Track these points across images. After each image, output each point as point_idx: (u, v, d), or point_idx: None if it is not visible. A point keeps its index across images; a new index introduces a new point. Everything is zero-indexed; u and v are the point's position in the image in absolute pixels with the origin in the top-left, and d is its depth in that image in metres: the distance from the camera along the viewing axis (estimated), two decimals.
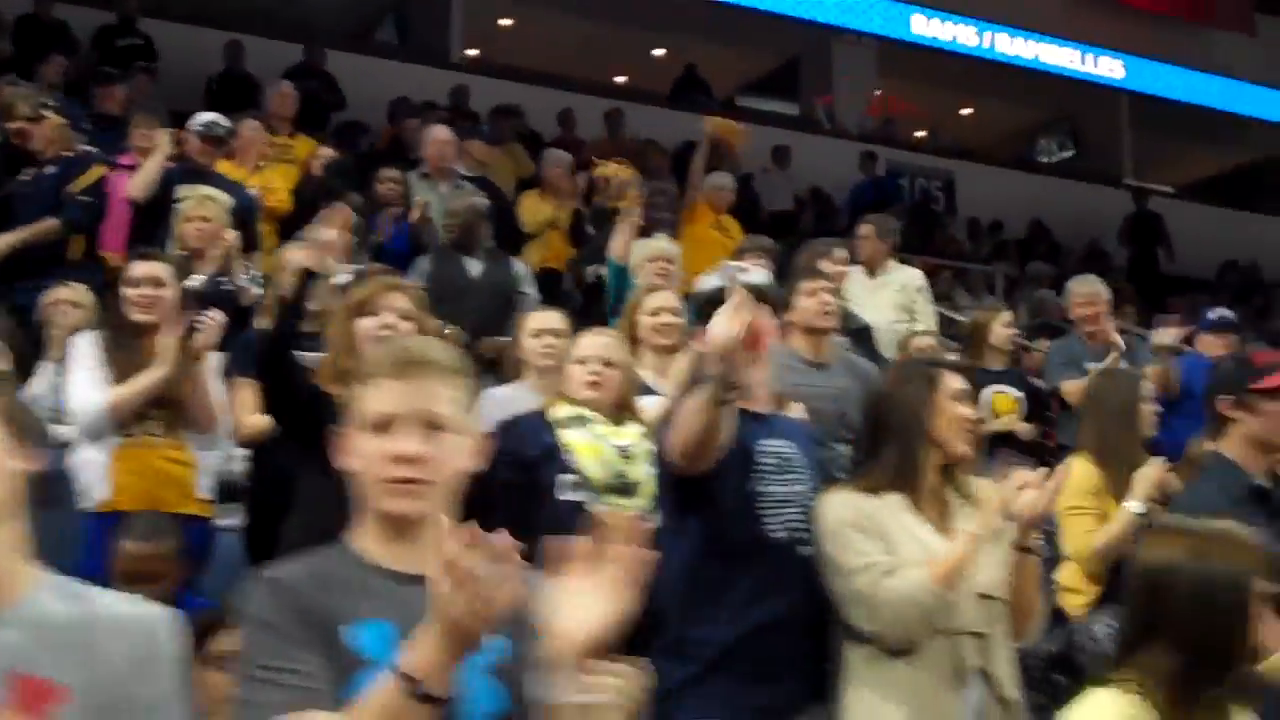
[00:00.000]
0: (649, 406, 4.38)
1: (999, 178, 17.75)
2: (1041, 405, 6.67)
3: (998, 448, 6.23)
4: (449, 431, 2.05)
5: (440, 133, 8.25)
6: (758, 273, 3.56)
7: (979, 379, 6.59)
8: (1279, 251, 17.62)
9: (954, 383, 3.42)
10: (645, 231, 8.91)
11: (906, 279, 7.64)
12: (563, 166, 9.05)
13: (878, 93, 18.06)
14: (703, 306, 3.49)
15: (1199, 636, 2.49)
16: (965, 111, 20.27)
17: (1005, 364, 6.73)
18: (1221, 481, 3.84)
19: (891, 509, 3.30)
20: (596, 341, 4.30)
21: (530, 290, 6.61)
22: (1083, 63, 18.72)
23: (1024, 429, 6.40)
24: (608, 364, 4.23)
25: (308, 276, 4.10)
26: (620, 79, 18.24)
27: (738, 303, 3.10)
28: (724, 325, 3.04)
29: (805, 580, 3.32)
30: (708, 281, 3.56)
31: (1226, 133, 19.84)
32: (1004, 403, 6.49)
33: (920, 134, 19.18)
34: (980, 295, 12.95)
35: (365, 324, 4.01)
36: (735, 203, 13.26)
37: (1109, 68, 18.85)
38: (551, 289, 8.70)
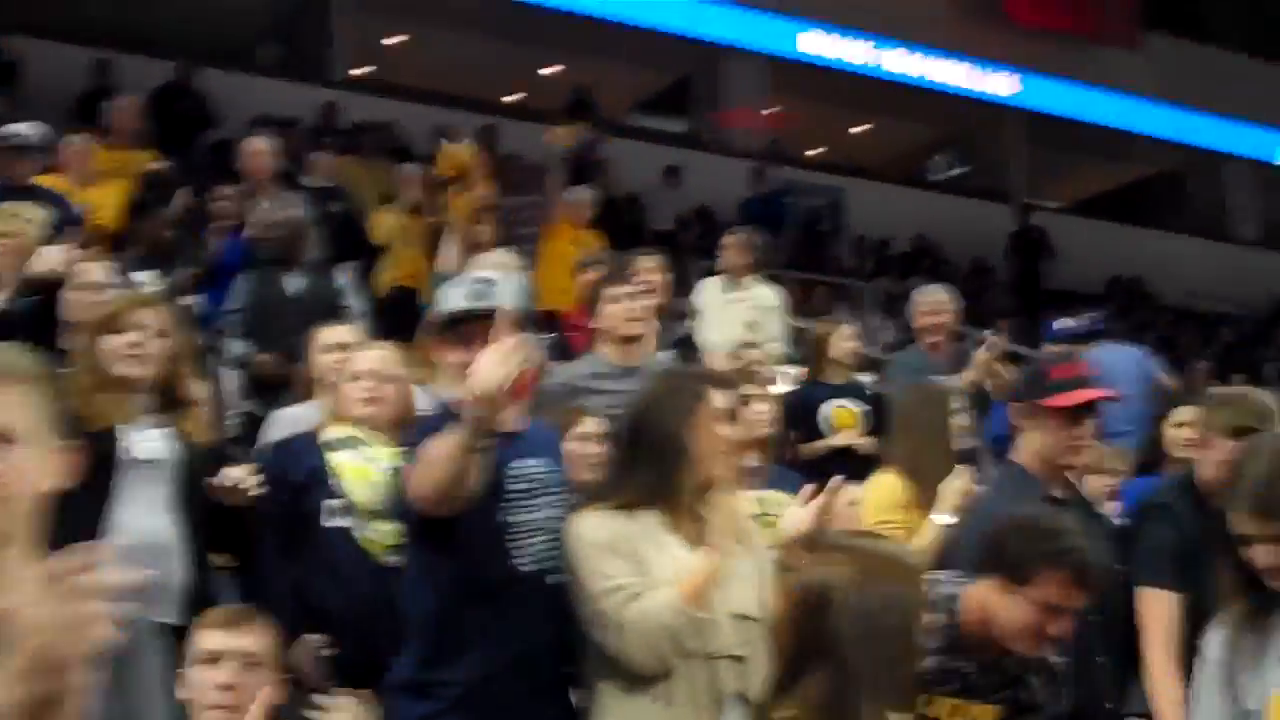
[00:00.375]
0: None
1: (889, 195, 17.73)
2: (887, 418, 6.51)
3: (837, 462, 6.05)
4: (17, 443, 1.81)
5: (255, 144, 7.98)
6: (507, 284, 3.34)
7: (820, 394, 6.47)
8: (1164, 266, 17.76)
9: (719, 400, 3.20)
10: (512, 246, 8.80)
11: (762, 296, 7.51)
12: (416, 182, 8.82)
13: (765, 112, 17.99)
14: (446, 323, 3.28)
15: (860, 663, 2.33)
16: (858, 129, 20.25)
17: (847, 378, 6.57)
18: (1014, 492, 3.69)
19: (646, 528, 3.10)
20: (372, 356, 4.09)
21: (354, 303, 6.36)
22: (971, 79, 18.75)
23: (864, 443, 6.24)
24: (385, 380, 4.02)
25: (44, 287, 3.86)
26: (512, 98, 18.03)
27: (506, 349, 2.89)
28: (489, 371, 2.83)
29: (554, 611, 3.12)
30: (453, 297, 3.32)
31: (1117, 148, 19.97)
32: (844, 417, 6.33)
33: (812, 152, 19.12)
34: (862, 312, 12.87)
35: (113, 342, 3.78)
36: (622, 221, 13.30)
37: (999, 84, 18.87)
38: (407, 307, 8.50)
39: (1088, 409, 3.68)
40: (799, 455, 6.31)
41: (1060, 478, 3.71)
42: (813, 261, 14.75)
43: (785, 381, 6.86)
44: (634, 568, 3.02)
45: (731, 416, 3.23)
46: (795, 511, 3.09)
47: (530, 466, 3.19)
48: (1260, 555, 2.77)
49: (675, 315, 8.04)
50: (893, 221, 16.78)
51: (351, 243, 8.27)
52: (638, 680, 2.99)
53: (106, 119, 8.64)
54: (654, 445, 3.15)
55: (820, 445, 6.27)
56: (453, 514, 2.98)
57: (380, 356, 4.07)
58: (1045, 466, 3.69)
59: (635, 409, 3.29)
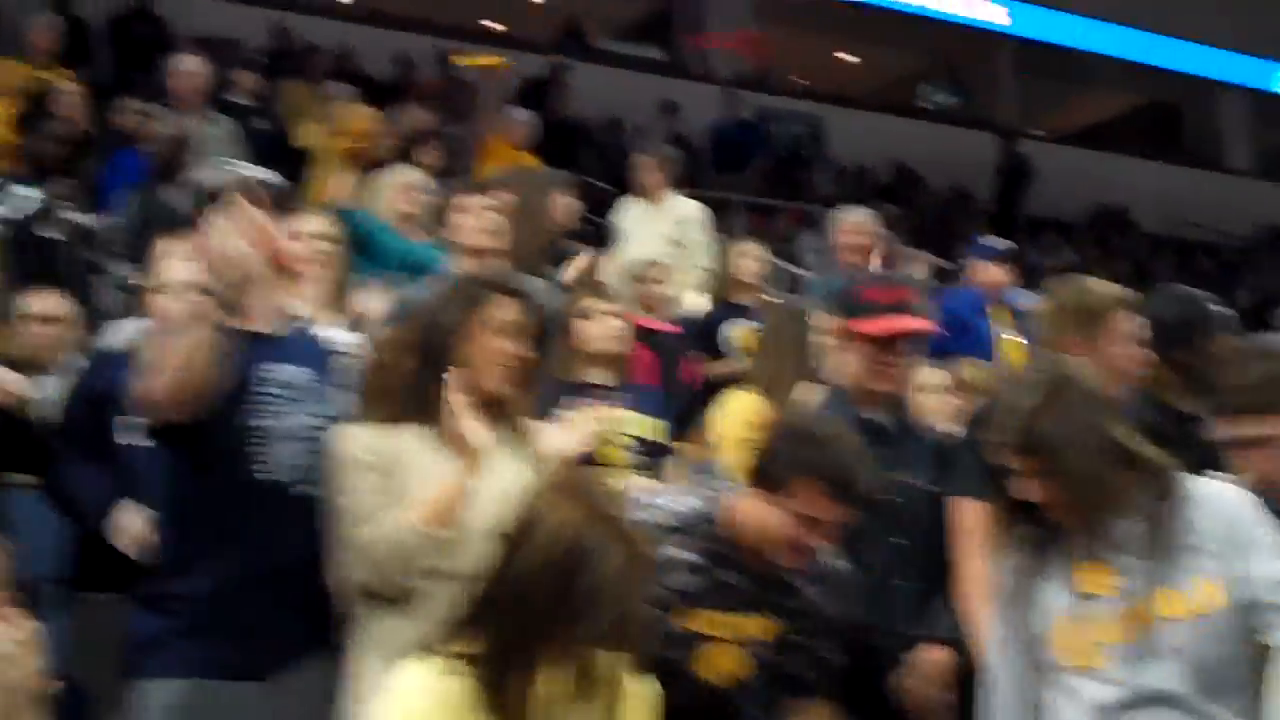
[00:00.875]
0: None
1: (873, 124, 17.40)
2: None
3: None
4: None
5: (185, 63, 7.80)
6: (259, 170, 3.16)
7: (724, 314, 6.31)
8: (1154, 195, 17.46)
9: (502, 311, 2.99)
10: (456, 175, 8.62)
11: (683, 212, 7.33)
12: (345, 101, 8.63)
13: (748, 37, 17.68)
14: (197, 202, 3.08)
15: (543, 607, 2.19)
16: (847, 57, 19.92)
17: (754, 299, 6.38)
18: (831, 414, 3.51)
19: (412, 443, 2.90)
20: (190, 268, 3.90)
21: None
22: (964, 7, 18.38)
23: None
24: (192, 289, 3.83)
25: None
26: (491, 25, 17.74)
27: (244, 208, 2.73)
28: (229, 238, 2.66)
29: (307, 523, 2.91)
30: (203, 174, 3.15)
31: (1109, 78, 19.63)
32: (746, 338, 6.14)
33: (795, 79, 18.81)
34: (825, 238, 12.61)
35: None
36: (598, 147, 13.09)
37: (991, 13, 18.52)
38: None
39: (898, 336, 3.49)
40: (702, 376, 6.16)
41: (877, 401, 3.52)
42: (789, 189, 14.51)
43: (694, 300, 6.71)
44: (386, 485, 2.83)
45: (520, 329, 3.00)
46: (554, 434, 2.90)
47: (287, 372, 2.98)
48: (1024, 490, 2.61)
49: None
50: (877, 150, 16.49)
51: (277, 161, 8.10)
52: (382, 601, 2.83)
53: (26, 37, 8.46)
54: (425, 355, 2.97)
55: (722, 367, 6.10)
56: (192, 416, 2.78)
57: (196, 268, 3.87)
58: (857, 390, 3.50)
59: (414, 316, 3.11)
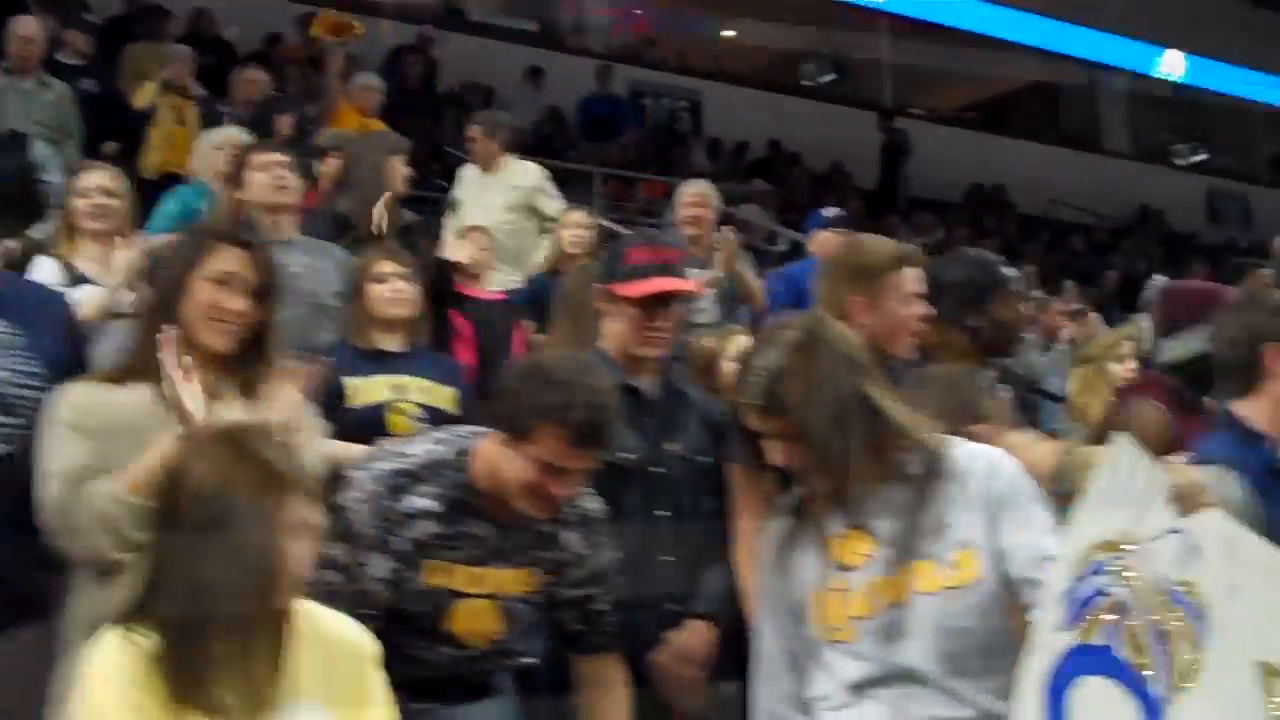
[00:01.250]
0: (87, 299, 3.88)
1: (751, 100, 17.37)
2: None
3: None
4: None
5: (23, 26, 7.52)
6: None
7: (554, 283, 6.15)
8: (1032, 176, 17.59)
9: (221, 262, 2.78)
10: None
11: (521, 177, 7.18)
12: (184, 62, 8.36)
13: (637, 11, 17.59)
14: None
15: (193, 570, 2.05)
16: (727, 33, 19.84)
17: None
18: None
19: (135, 403, 2.70)
20: None
21: (54, 178, 5.88)
22: None
23: None
24: None
25: None
26: None
27: None
28: None
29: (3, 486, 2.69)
30: None
31: (990, 58, 19.70)
32: None
33: (674, 55, 18.71)
34: None
35: None
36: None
37: None
38: None
39: (663, 300, 3.31)
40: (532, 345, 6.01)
41: (643, 367, 3.35)
42: (662, 163, 14.41)
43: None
44: (95, 448, 2.63)
45: (241, 282, 2.78)
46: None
47: None
48: (770, 452, 2.48)
49: None
50: (757, 126, 16.45)
51: (109, 122, 7.90)
52: (96, 573, 2.64)
53: None
54: (153, 309, 2.80)
55: (545, 337, 5.95)
56: None
57: None
58: (624, 357, 3.33)
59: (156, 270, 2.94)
